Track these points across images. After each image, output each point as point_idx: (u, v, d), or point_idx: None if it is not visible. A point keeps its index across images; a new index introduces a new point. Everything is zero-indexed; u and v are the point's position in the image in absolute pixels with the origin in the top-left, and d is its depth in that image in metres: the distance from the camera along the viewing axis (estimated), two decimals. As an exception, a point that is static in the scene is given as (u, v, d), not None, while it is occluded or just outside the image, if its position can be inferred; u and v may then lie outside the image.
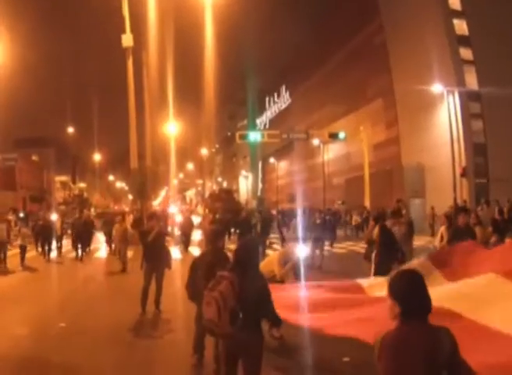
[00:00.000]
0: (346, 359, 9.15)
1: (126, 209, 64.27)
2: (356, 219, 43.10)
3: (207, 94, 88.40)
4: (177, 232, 35.86)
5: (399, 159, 57.41)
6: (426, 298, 3.62)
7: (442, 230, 14.21)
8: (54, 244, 28.63)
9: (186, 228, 31.90)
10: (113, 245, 28.92)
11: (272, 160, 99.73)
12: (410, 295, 3.57)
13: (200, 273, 8.44)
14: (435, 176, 48.77)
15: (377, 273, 11.49)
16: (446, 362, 3.47)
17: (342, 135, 52.13)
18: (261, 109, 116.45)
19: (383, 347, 3.51)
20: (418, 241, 23.87)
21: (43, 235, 28.22)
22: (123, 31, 41.78)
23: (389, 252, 12.19)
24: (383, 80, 60.92)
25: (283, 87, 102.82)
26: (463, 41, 49.58)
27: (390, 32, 58.57)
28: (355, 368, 8.78)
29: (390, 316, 3.63)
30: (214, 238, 9.25)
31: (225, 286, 5.72)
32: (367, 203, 47.77)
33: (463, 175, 44.93)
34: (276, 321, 7.13)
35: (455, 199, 40.16)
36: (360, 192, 51.70)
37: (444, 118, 47.03)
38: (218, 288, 5.72)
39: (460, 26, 50.12)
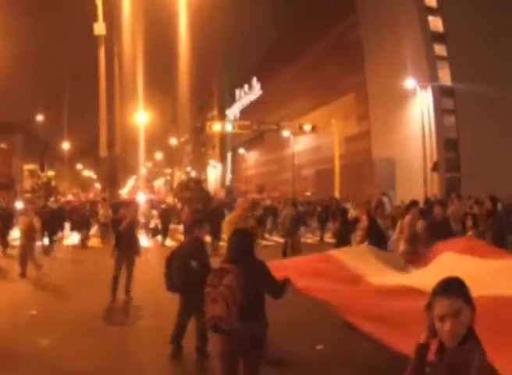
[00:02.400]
0: (319, 347, 9.02)
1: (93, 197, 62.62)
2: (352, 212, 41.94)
3: (177, 85, 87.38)
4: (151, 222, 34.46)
5: (369, 153, 57.43)
6: None
7: (401, 223, 13.52)
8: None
9: (165, 218, 30.65)
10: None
11: (241, 151, 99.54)
12: None
13: (175, 263, 8.52)
14: (405, 170, 48.85)
15: None
16: None
17: (310, 127, 51.90)
18: (232, 101, 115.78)
19: None
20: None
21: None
22: (96, 20, 40.54)
23: (379, 243, 11.50)
24: (356, 74, 60.72)
25: (254, 79, 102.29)
26: (438, 37, 49.76)
27: (365, 28, 58.40)
28: (326, 356, 8.66)
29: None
30: (192, 228, 9.12)
31: (230, 280, 5.48)
32: (336, 195, 47.16)
33: (434, 169, 44.85)
34: (283, 290, 6.34)
35: (425, 193, 40.32)
36: (329, 184, 51.51)
37: (416, 113, 47.34)
38: (223, 283, 5.47)
39: (436, 23, 50.32)
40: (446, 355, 3.02)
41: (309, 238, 29.26)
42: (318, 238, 29.20)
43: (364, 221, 13.08)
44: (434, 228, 11.87)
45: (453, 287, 3.09)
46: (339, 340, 9.35)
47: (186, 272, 8.35)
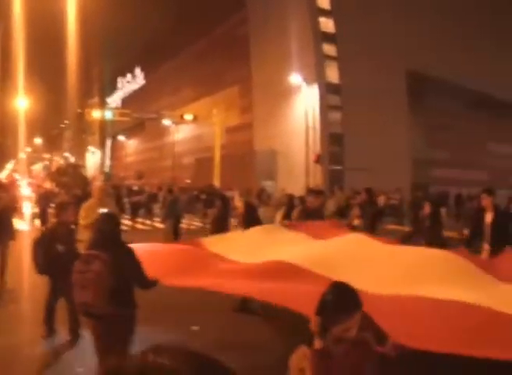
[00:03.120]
0: (195, 328, 9.01)
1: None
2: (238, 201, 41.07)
3: (59, 71, 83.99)
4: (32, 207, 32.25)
5: (251, 144, 57.20)
6: None
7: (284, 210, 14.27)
8: None
9: (43, 203, 28.23)
10: None
11: (121, 138, 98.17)
12: None
13: (42, 247, 8.10)
14: (288, 162, 49.09)
15: None
16: None
17: (192, 117, 50.68)
18: (113, 89, 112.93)
19: None
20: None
21: None
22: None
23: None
24: (242, 68, 59.98)
25: (138, 69, 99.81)
26: (328, 38, 50.42)
27: (254, 23, 57.83)
28: (200, 337, 8.37)
29: None
30: (58, 212, 8.72)
31: (98, 265, 5.39)
32: (216, 183, 45.96)
33: (316, 161, 44.73)
34: (151, 285, 6.10)
35: (307, 184, 39.90)
36: (209, 172, 50.79)
37: (301, 108, 47.00)
38: (92, 269, 5.39)
39: (327, 25, 50.98)
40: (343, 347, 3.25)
41: (193, 224, 28.35)
42: (201, 224, 27.78)
43: (240, 208, 13.24)
44: (307, 216, 12.00)
45: (353, 305, 3.28)
46: (219, 323, 9.41)
47: (52, 256, 7.97)
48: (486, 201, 9.99)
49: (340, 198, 21.59)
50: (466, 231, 11.90)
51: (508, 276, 6.22)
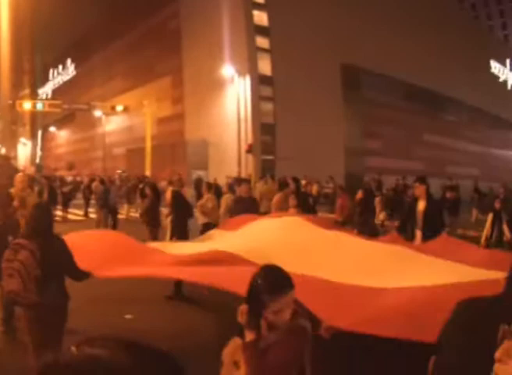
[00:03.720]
0: (128, 317, 8.88)
1: None
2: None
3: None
4: None
5: (183, 134, 56.41)
6: None
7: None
8: None
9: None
10: None
11: (52, 129, 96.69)
12: None
13: None
14: (219, 152, 48.80)
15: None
16: None
17: (122, 108, 50.81)
18: (45, 80, 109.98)
19: None
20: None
21: None
22: None
23: (184, 216, 12.21)
24: (173, 60, 58.90)
25: (69, 60, 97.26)
26: (262, 31, 49.95)
27: (186, 17, 56.70)
28: (133, 326, 8.36)
29: None
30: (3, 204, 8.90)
31: (25, 255, 5.29)
32: (148, 173, 46.08)
33: (248, 151, 45.24)
34: (83, 277, 5.86)
35: (239, 173, 40.49)
36: (141, 163, 50.90)
37: (233, 99, 47.24)
38: (18, 258, 5.30)
39: (261, 18, 50.47)
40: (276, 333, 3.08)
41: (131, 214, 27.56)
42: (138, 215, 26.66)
43: (169, 195, 13.07)
44: (239, 203, 12.37)
45: (285, 282, 3.09)
46: (153, 311, 9.29)
47: None
48: (419, 189, 10.09)
49: (272, 187, 21.10)
50: (396, 222, 12.73)
51: (445, 255, 6.29)
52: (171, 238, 11.79)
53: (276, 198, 13.42)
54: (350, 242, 7.01)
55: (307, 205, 15.84)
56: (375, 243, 7.26)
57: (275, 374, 3.09)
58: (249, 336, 3.09)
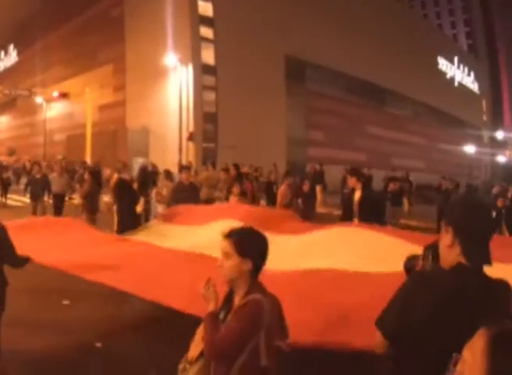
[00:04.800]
0: (66, 302, 8.77)
1: None
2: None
3: None
4: None
5: (124, 121, 55.89)
6: None
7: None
8: None
9: None
10: None
11: None
12: None
13: None
14: (160, 139, 48.83)
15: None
16: None
17: (64, 94, 53.13)
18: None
19: None
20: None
21: None
22: None
23: (130, 203, 12.19)
24: (116, 48, 58.39)
25: (11, 46, 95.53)
26: (206, 21, 50.06)
27: (130, 5, 56.37)
28: (74, 309, 8.47)
29: None
30: None
31: None
32: (88, 159, 46.40)
33: (189, 139, 45.69)
34: (22, 263, 5.86)
35: (180, 160, 41.25)
36: (81, 149, 51.05)
37: (175, 87, 47.44)
38: None
39: (206, 8, 50.44)
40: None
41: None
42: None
43: (113, 180, 13.58)
44: (180, 190, 12.61)
45: (232, 232, 3.33)
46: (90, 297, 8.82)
47: None
48: (351, 181, 10.28)
49: (213, 174, 21.36)
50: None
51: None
52: (117, 227, 11.73)
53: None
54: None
55: (271, 194, 17.52)
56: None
57: (228, 345, 3.13)
58: (210, 308, 3.30)
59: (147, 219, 14.35)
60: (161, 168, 26.31)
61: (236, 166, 16.00)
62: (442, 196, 20.54)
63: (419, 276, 2.99)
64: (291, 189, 15.92)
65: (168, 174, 15.52)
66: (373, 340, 2.96)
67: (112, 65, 60.37)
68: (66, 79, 67.54)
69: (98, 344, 6.99)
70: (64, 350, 6.76)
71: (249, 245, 3.31)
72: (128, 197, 12.06)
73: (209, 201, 15.22)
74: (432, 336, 2.62)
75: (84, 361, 6.55)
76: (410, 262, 3.70)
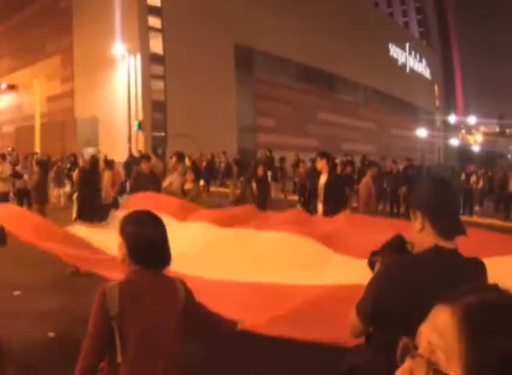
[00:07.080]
0: (16, 293, 8.78)
1: None
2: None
3: None
4: None
5: (72, 112, 56.11)
6: None
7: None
8: None
9: None
10: None
11: None
12: None
13: None
14: (110, 128, 48.73)
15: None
16: None
17: (11, 86, 53.14)
18: None
19: None
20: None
21: None
22: None
23: (91, 194, 12.59)
24: (64, 39, 58.44)
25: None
26: (154, 11, 50.37)
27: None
28: (27, 299, 8.45)
29: None
30: None
31: None
32: (37, 150, 45.82)
33: (139, 128, 46.13)
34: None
35: (129, 149, 41.50)
36: (30, 140, 50.70)
37: (124, 77, 47.78)
38: None
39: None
40: None
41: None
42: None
43: (76, 174, 13.71)
44: (139, 180, 12.56)
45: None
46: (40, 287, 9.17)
47: None
48: (320, 163, 10.47)
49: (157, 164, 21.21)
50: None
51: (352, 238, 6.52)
52: (76, 216, 12.13)
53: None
54: (250, 238, 6.88)
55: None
56: (279, 235, 6.81)
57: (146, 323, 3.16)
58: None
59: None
60: (111, 157, 26.98)
61: (181, 155, 14.97)
62: (393, 178, 22.38)
63: (394, 262, 2.93)
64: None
65: (107, 163, 15.99)
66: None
67: (60, 56, 60.36)
68: (14, 71, 67.15)
69: (51, 334, 7.08)
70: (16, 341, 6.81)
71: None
72: (88, 187, 12.47)
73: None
74: (418, 318, 2.17)
75: (36, 352, 6.61)
76: (373, 260, 3.56)
